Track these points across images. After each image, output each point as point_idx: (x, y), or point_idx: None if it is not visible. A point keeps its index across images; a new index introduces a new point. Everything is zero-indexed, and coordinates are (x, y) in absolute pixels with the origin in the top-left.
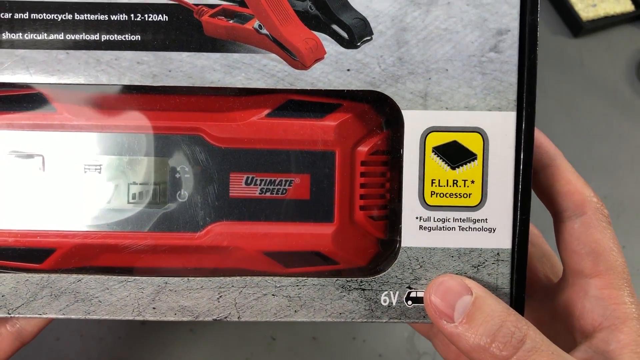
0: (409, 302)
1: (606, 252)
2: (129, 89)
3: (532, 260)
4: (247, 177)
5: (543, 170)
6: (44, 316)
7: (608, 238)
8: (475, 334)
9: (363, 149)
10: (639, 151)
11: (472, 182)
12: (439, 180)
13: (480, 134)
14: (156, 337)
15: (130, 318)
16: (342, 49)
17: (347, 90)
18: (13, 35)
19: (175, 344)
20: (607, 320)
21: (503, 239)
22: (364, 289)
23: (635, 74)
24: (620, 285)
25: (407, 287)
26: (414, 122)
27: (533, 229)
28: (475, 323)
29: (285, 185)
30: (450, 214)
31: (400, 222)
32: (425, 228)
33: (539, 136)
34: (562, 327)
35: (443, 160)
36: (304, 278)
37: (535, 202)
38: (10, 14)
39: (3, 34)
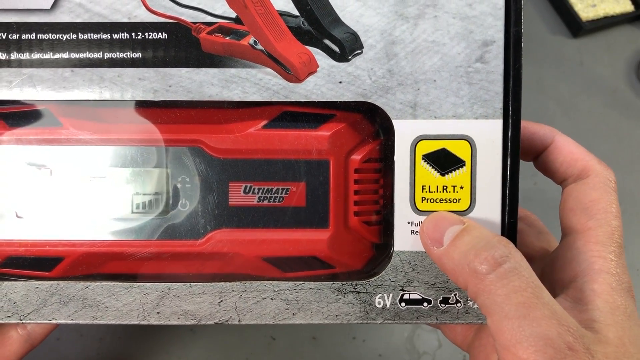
0: (402, 304)
1: (600, 212)
2: (131, 104)
3: (529, 238)
4: (246, 186)
5: (545, 151)
6: (54, 322)
7: (606, 200)
8: (460, 251)
9: (356, 157)
10: (639, 151)
11: (461, 187)
12: (429, 186)
13: (468, 141)
14: (156, 337)
15: (136, 322)
16: (334, 63)
17: (339, 101)
18: (21, 55)
19: (175, 343)
20: (584, 271)
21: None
22: (358, 292)
23: (635, 74)
24: (605, 242)
25: (400, 290)
26: (404, 131)
27: (530, 214)
28: (462, 242)
29: (282, 194)
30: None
31: (393, 227)
32: (416, 232)
33: (530, 125)
34: (548, 285)
35: (433, 167)
36: (301, 282)
37: (534, 208)
38: (18, 35)
39: (12, 54)
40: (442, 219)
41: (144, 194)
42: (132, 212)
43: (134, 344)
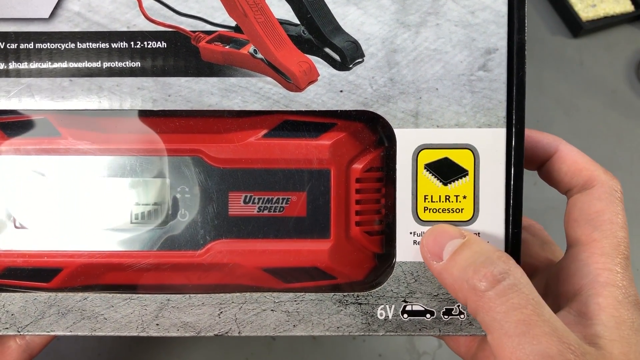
0: (405, 315)
1: (605, 223)
2: (130, 114)
3: (533, 248)
4: (246, 196)
5: (549, 160)
6: (52, 333)
7: (612, 211)
8: (460, 267)
9: (358, 166)
10: (639, 151)
11: (464, 197)
12: (432, 196)
13: (471, 150)
14: (156, 337)
15: (135, 334)
16: (334, 71)
17: (340, 110)
18: (19, 65)
19: (175, 343)
20: (589, 284)
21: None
22: (360, 303)
23: (635, 74)
24: (611, 254)
25: (402, 301)
26: (406, 140)
27: (535, 223)
28: (461, 257)
29: (282, 203)
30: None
31: (395, 237)
32: (419, 243)
33: (533, 133)
34: (552, 298)
35: (435, 177)
36: (302, 293)
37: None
38: (16, 44)
39: (10, 63)
40: (442, 232)
41: (143, 205)
42: (131, 223)
43: (134, 344)
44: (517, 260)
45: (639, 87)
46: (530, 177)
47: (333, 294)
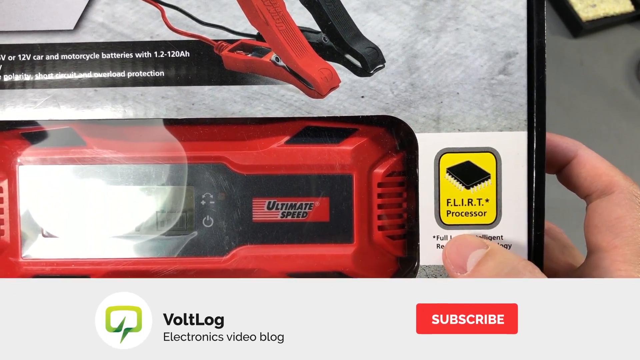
0: None
1: (626, 230)
2: (154, 123)
3: (553, 252)
4: (269, 202)
5: (568, 164)
6: None
7: (633, 217)
8: (485, 278)
9: (379, 171)
10: (639, 151)
11: (487, 200)
12: (454, 199)
13: (492, 153)
14: None
15: None
16: (356, 77)
17: (362, 116)
18: (45, 76)
19: None
20: None
21: (519, 255)
22: None
23: (635, 74)
24: (633, 261)
25: None
26: (428, 145)
27: (554, 227)
28: (486, 268)
29: (305, 209)
30: (466, 232)
31: (418, 241)
32: (442, 246)
33: (553, 137)
34: None
35: (457, 181)
36: None
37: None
38: (42, 56)
39: (36, 75)
40: (464, 243)
41: (168, 212)
42: (157, 230)
43: None
44: (540, 262)
45: (639, 87)
46: None
47: None
